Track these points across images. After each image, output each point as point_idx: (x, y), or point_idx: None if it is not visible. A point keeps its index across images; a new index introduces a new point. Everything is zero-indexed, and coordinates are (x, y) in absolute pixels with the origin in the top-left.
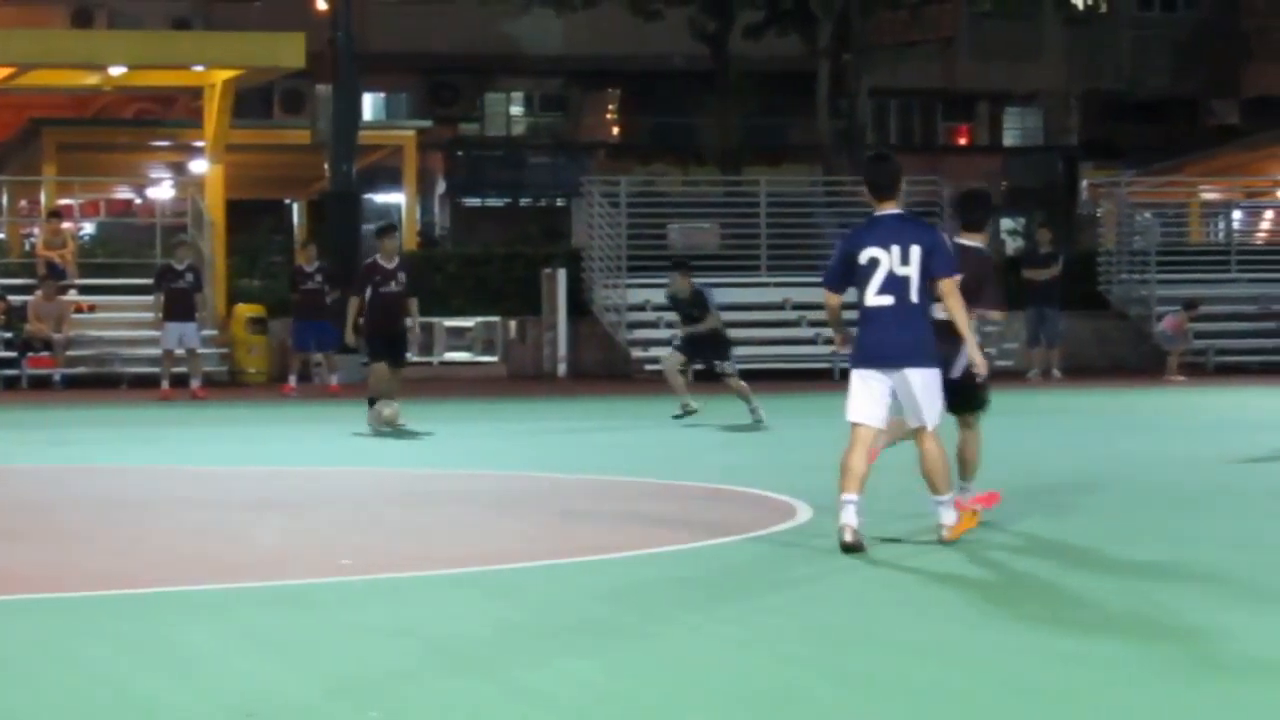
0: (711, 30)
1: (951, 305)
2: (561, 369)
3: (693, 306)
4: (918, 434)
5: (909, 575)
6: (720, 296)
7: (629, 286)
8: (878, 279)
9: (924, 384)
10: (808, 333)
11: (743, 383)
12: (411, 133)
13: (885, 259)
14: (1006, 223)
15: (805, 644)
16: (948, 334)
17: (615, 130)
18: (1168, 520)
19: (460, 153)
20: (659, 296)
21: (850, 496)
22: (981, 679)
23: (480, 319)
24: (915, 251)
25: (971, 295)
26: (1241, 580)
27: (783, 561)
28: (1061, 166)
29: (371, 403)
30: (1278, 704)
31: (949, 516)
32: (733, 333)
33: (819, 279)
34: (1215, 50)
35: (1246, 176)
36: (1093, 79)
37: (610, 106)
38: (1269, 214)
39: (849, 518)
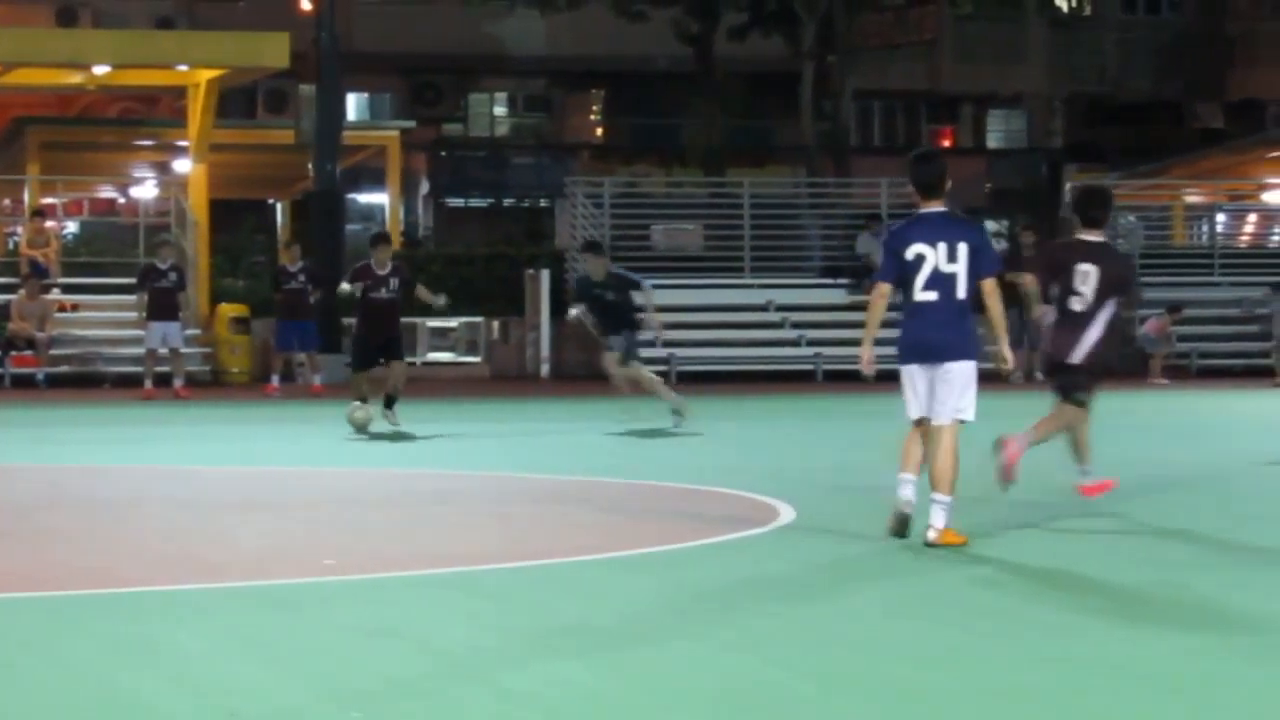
0: (695, 31)
1: (991, 304)
2: (544, 370)
3: (608, 289)
4: (938, 429)
5: (895, 576)
6: (704, 298)
7: None
8: (923, 275)
9: (958, 377)
10: (791, 334)
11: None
12: (395, 133)
13: (931, 256)
14: (990, 225)
15: (790, 645)
16: (1075, 322)
17: (599, 131)
18: (1169, 523)
19: (444, 153)
20: (641, 298)
21: (907, 476)
22: (965, 680)
23: (463, 319)
24: (962, 249)
25: (1115, 288)
26: (1243, 590)
27: (767, 562)
28: (1045, 169)
29: (389, 402)
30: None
31: (940, 519)
32: (716, 335)
33: (802, 281)
34: (1199, 53)
35: (1230, 179)
36: (1077, 81)
37: (594, 107)
38: (1252, 217)
39: (905, 493)
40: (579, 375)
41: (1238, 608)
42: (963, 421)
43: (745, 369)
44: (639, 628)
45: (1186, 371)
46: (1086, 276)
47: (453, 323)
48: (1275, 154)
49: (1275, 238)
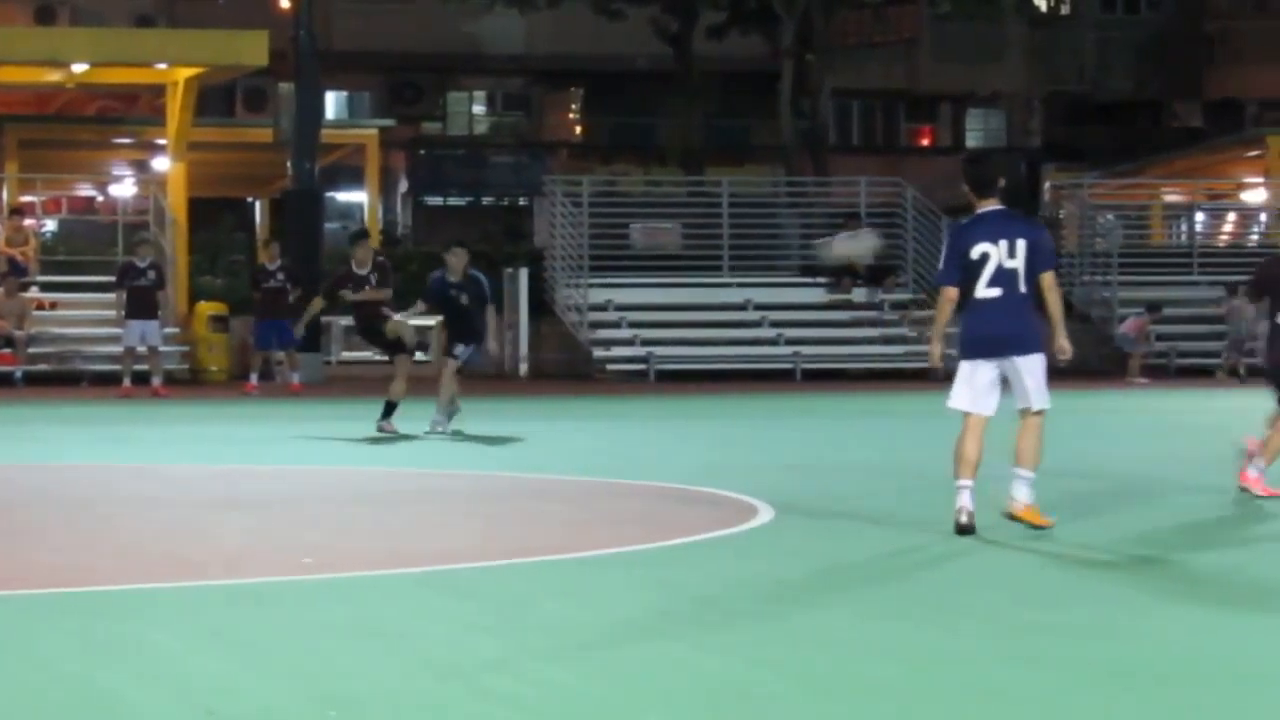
0: (674, 30)
1: (1051, 298)
2: (523, 369)
3: (463, 291)
4: (1024, 414)
5: (877, 575)
6: (682, 296)
7: (591, 286)
8: (988, 272)
9: (1030, 370)
10: (769, 333)
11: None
12: (374, 131)
13: (994, 253)
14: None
15: (774, 645)
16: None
17: (578, 130)
18: (1153, 525)
19: (422, 151)
20: (621, 296)
21: (964, 482)
22: (949, 681)
23: (441, 318)
24: (1021, 245)
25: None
26: (1227, 588)
27: (748, 561)
28: (1024, 168)
29: (388, 411)
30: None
31: (1023, 493)
32: (694, 333)
33: (781, 280)
34: (1178, 52)
35: (1208, 178)
36: (1055, 81)
37: (573, 106)
38: (1231, 216)
39: (963, 501)
40: (557, 375)
41: (1227, 606)
42: (1041, 412)
43: (724, 368)
44: (620, 627)
45: (1165, 371)
46: None
47: (431, 321)
48: (1253, 153)
49: (1254, 237)
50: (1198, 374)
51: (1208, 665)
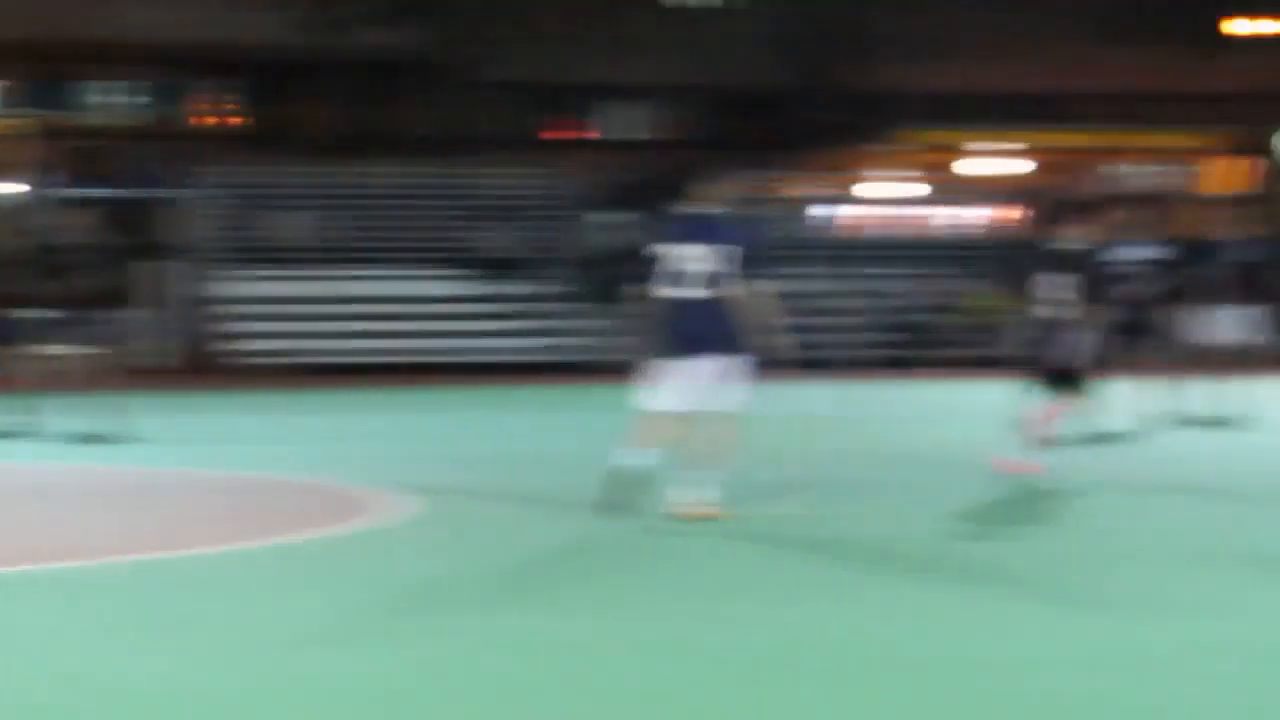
0: (321, 21)
1: (751, 301)
2: (166, 361)
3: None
4: (712, 414)
5: (531, 569)
6: (328, 289)
7: (232, 279)
8: (684, 272)
9: (724, 370)
10: (418, 326)
11: None
12: (13, 121)
13: (693, 254)
14: (614, 218)
15: (427, 641)
16: (1058, 326)
17: (222, 120)
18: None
19: (61, 142)
20: (264, 289)
21: (640, 452)
22: (573, 672)
23: (80, 311)
24: (721, 248)
25: None
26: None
27: (402, 557)
28: (674, 161)
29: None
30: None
31: (700, 493)
32: (341, 326)
33: (430, 272)
34: (822, 47)
35: (857, 171)
36: (705, 73)
37: (217, 96)
38: (880, 210)
39: (634, 461)
40: (200, 368)
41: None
42: (731, 413)
43: (372, 361)
44: (279, 626)
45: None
46: None
47: (68, 313)
48: (901, 147)
49: (902, 231)
50: (849, 366)
51: (846, 651)
